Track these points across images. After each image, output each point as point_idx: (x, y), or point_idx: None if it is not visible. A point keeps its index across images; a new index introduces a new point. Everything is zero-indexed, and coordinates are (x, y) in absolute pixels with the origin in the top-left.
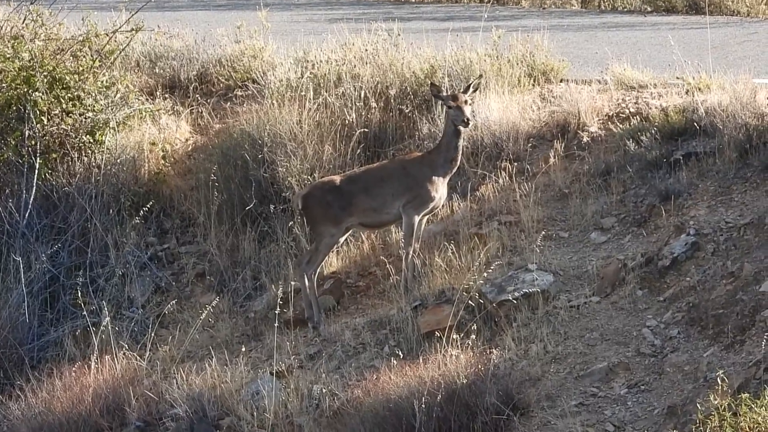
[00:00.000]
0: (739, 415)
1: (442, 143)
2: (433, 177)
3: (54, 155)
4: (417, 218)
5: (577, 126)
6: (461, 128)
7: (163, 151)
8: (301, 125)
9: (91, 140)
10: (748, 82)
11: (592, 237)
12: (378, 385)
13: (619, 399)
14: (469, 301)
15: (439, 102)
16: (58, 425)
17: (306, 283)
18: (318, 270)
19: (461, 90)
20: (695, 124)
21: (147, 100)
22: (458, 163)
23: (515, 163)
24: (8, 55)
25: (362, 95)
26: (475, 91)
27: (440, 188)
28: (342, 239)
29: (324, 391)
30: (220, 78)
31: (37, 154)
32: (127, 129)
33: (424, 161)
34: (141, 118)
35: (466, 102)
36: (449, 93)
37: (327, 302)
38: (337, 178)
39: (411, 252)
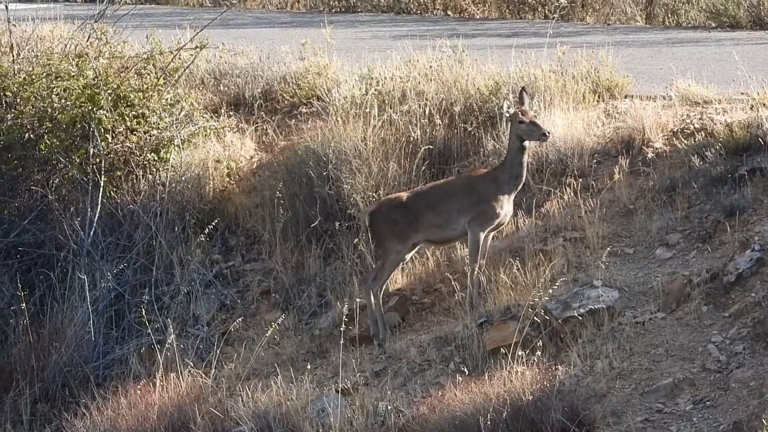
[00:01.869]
0: None
1: (506, 160)
2: (498, 194)
3: (119, 173)
4: (482, 235)
5: (641, 142)
6: (538, 142)
7: (227, 168)
8: (365, 142)
9: (156, 158)
10: None
11: (657, 253)
12: (443, 401)
13: (685, 415)
14: (535, 318)
15: (508, 121)
16: None
17: (372, 299)
18: (384, 287)
19: (517, 105)
20: (760, 139)
21: (211, 117)
22: (523, 179)
23: (580, 180)
24: (73, 74)
25: (427, 112)
26: (531, 99)
27: (505, 205)
28: (408, 256)
29: (389, 408)
30: (285, 95)
31: (102, 172)
32: (191, 146)
33: (489, 178)
34: (206, 135)
35: (534, 116)
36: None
37: (392, 319)
38: (404, 195)
39: (476, 269)
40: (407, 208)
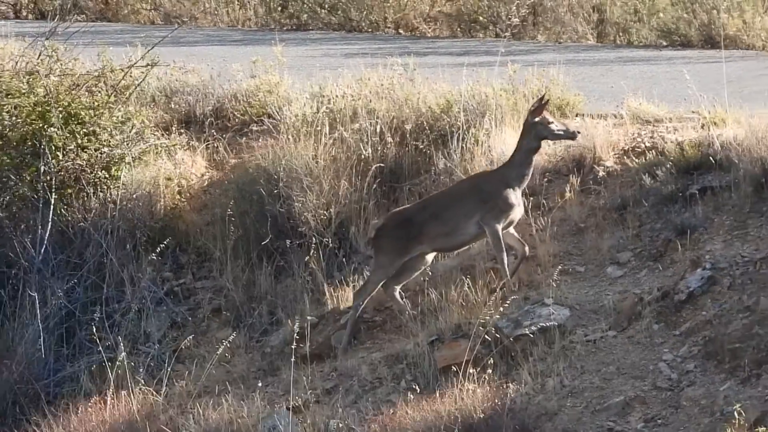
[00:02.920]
0: None
1: (515, 160)
2: (507, 188)
3: (69, 191)
4: (499, 227)
5: (592, 160)
6: (571, 140)
7: (178, 186)
8: (316, 160)
9: (107, 175)
10: (764, 116)
11: (609, 271)
12: (395, 419)
13: None
14: (486, 336)
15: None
16: None
17: (356, 313)
18: (365, 301)
19: (534, 108)
20: (711, 158)
21: (162, 135)
22: (529, 178)
23: (531, 198)
24: (23, 91)
25: (378, 130)
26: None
27: (516, 198)
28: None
29: (341, 425)
30: (236, 113)
31: (53, 190)
32: (142, 164)
33: (496, 176)
34: (157, 153)
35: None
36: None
37: (343, 337)
38: (410, 208)
39: (504, 258)
40: (412, 222)
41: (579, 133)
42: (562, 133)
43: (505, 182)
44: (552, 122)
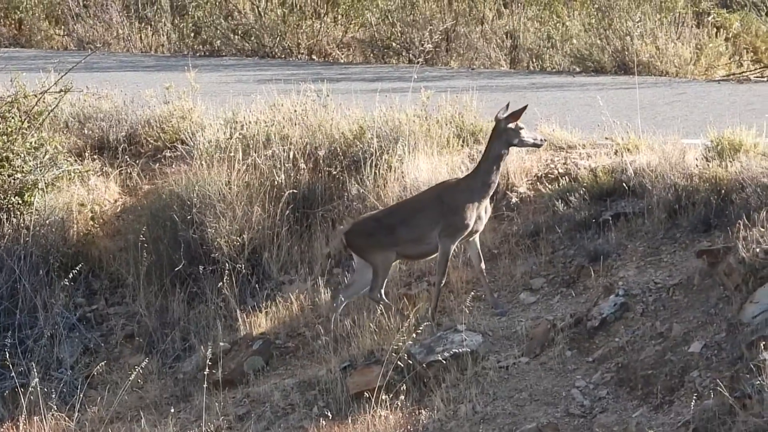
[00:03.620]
0: None
1: (481, 168)
2: (468, 203)
3: None
4: (452, 247)
5: (506, 187)
6: (532, 149)
7: (92, 212)
8: (230, 186)
9: (20, 201)
10: (677, 143)
11: (521, 297)
12: None
13: None
14: (398, 362)
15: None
16: None
17: (380, 305)
18: (383, 290)
19: (504, 114)
20: (624, 184)
21: (76, 161)
22: (495, 185)
23: None
24: None
25: (291, 156)
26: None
27: (475, 213)
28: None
29: None
30: (149, 139)
31: None
32: (56, 190)
33: (459, 187)
34: (70, 179)
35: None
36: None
37: (256, 363)
38: (378, 212)
39: (442, 281)
40: (381, 223)
41: (545, 141)
42: (531, 141)
43: (469, 194)
44: (523, 128)
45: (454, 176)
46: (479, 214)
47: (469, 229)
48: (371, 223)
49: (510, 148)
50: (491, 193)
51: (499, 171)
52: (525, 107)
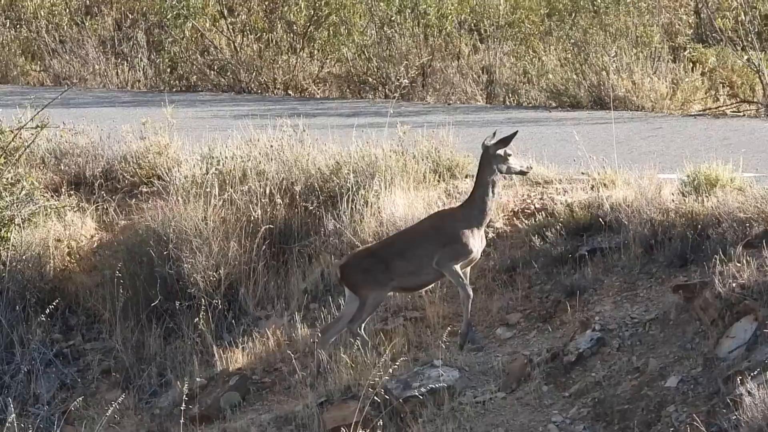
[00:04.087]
0: None
1: (476, 196)
2: (467, 229)
3: None
4: (456, 266)
5: None
6: (519, 175)
7: (68, 247)
8: (206, 221)
9: None
10: (653, 178)
11: (498, 333)
12: None
13: None
14: (375, 397)
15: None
16: None
17: (358, 338)
18: (363, 325)
19: (492, 141)
20: (600, 219)
21: (52, 196)
22: (491, 214)
23: None
24: None
25: (267, 191)
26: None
27: (476, 239)
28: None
29: None
30: (126, 174)
31: None
32: (32, 226)
33: (457, 216)
34: (46, 214)
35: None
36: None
37: (233, 399)
38: (375, 244)
39: (470, 293)
40: (377, 257)
41: (531, 168)
42: (518, 168)
43: (467, 222)
44: (511, 155)
45: (447, 206)
46: (479, 242)
47: (472, 255)
48: (367, 258)
49: (500, 175)
50: (487, 221)
51: (494, 198)
52: (515, 133)
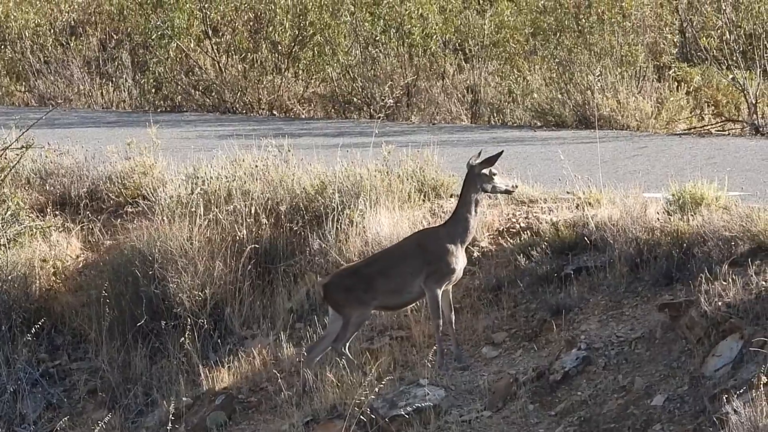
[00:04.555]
0: None
1: (459, 214)
2: (451, 247)
3: None
4: (440, 292)
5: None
6: (503, 195)
7: (54, 267)
8: (191, 241)
9: None
10: (639, 197)
11: (484, 352)
12: None
13: None
14: (361, 416)
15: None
16: None
17: (342, 358)
18: (347, 345)
19: (477, 161)
20: (586, 238)
21: (38, 217)
22: (474, 232)
23: None
24: None
25: (253, 211)
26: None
27: (460, 258)
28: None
29: None
30: (111, 194)
31: None
32: (17, 246)
33: (440, 234)
34: (32, 235)
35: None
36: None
37: (218, 418)
38: (358, 263)
39: (440, 324)
40: (360, 275)
41: (516, 187)
42: (503, 187)
43: (451, 240)
44: (496, 174)
45: (429, 225)
46: (462, 259)
47: (455, 273)
48: (350, 276)
49: (484, 194)
50: (469, 240)
51: (477, 217)
52: (500, 153)
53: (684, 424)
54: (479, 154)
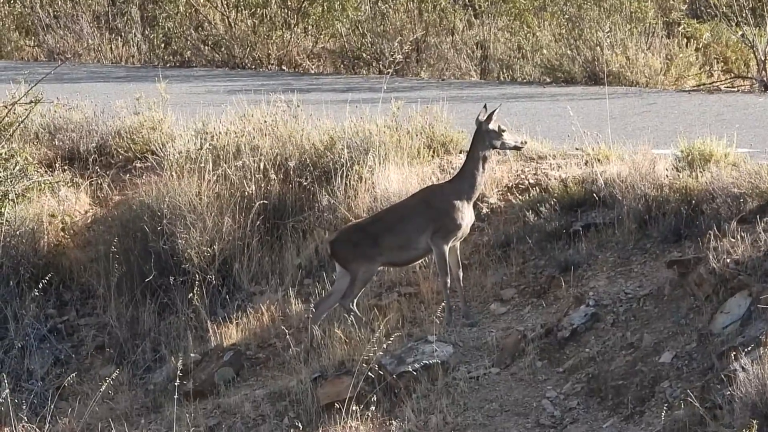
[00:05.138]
0: None
1: (466, 170)
2: (457, 204)
3: None
4: (446, 248)
5: (477, 198)
6: (513, 151)
7: (62, 223)
8: (200, 197)
9: None
10: (647, 153)
11: (492, 308)
12: None
13: None
14: (369, 373)
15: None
16: None
17: (350, 315)
18: (355, 301)
19: (484, 118)
20: (594, 195)
21: (46, 172)
22: (481, 188)
23: None
24: None
25: (261, 167)
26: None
27: (466, 214)
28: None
29: None
30: (120, 150)
31: None
32: (26, 201)
33: (447, 190)
34: (40, 190)
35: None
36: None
37: (226, 374)
38: (365, 219)
39: (448, 281)
40: (366, 232)
41: (525, 143)
42: (512, 143)
43: (457, 196)
44: (505, 130)
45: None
46: (469, 215)
47: (462, 229)
48: (356, 232)
49: (492, 150)
50: (476, 196)
51: (485, 173)
52: (497, 108)
53: (692, 381)
54: (485, 107)
